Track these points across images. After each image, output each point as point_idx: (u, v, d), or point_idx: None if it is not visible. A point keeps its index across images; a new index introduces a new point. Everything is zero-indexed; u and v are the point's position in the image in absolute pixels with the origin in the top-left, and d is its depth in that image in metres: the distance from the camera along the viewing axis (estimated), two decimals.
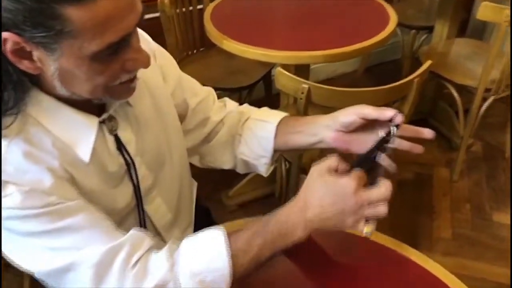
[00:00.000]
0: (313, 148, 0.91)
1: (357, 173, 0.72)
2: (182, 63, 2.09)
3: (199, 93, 0.99)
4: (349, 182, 0.71)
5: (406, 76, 1.32)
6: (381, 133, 0.79)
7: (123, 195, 0.83)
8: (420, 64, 1.38)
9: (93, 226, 0.71)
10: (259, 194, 2.02)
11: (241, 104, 1.05)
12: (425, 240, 1.92)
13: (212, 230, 0.74)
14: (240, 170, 1.04)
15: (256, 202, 2.01)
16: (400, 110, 1.41)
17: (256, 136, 0.96)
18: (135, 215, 0.88)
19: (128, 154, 0.82)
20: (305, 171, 1.56)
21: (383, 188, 0.70)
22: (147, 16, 0.73)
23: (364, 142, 0.82)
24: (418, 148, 0.81)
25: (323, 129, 0.87)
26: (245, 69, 2.08)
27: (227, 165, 1.04)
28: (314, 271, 0.84)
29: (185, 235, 1.01)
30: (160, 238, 0.95)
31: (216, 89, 2.00)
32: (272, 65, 2.10)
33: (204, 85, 1.03)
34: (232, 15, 1.84)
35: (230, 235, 0.73)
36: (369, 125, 0.82)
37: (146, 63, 0.69)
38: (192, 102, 0.98)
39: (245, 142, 0.98)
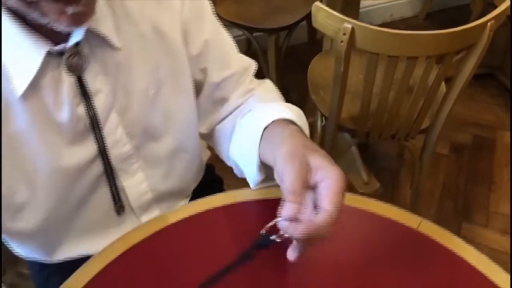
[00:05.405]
0: None
1: None
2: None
3: (231, 65, 0.77)
4: None
5: None
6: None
7: (77, 154, 0.66)
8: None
9: None
10: None
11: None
12: (481, 215, 1.69)
13: None
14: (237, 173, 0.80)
15: None
16: (464, 64, 1.16)
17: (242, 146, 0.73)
18: (104, 186, 0.72)
19: (91, 106, 0.63)
20: (342, 128, 1.35)
21: None
22: None
23: None
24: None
25: None
26: (287, 7, 1.85)
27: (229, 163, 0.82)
28: (346, 264, 0.66)
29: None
30: (134, 217, 0.79)
31: (252, 29, 1.84)
32: None
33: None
34: None
35: None
36: None
37: None
38: (216, 76, 0.76)
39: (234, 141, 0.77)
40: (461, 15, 2.51)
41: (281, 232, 0.53)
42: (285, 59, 1.96)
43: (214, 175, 1.02)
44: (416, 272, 0.64)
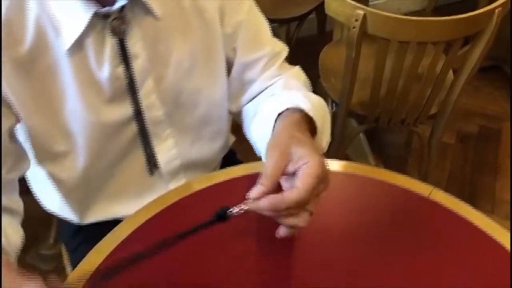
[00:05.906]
0: None
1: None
2: None
3: (262, 48, 0.79)
4: None
5: None
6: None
7: (114, 113, 0.70)
8: None
9: None
10: None
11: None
12: (486, 202, 1.73)
13: None
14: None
15: None
16: (471, 52, 1.20)
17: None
18: (138, 148, 0.76)
19: (129, 69, 0.68)
20: (353, 114, 1.39)
21: None
22: None
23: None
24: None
25: None
26: None
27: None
28: (358, 231, 0.70)
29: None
30: (163, 183, 0.83)
31: None
32: None
33: None
34: None
35: None
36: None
37: None
38: (246, 56, 0.78)
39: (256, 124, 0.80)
40: (468, 9, 2.54)
41: (241, 206, 0.58)
42: (294, 50, 2.00)
43: (236, 159, 1.06)
44: (427, 237, 0.68)
